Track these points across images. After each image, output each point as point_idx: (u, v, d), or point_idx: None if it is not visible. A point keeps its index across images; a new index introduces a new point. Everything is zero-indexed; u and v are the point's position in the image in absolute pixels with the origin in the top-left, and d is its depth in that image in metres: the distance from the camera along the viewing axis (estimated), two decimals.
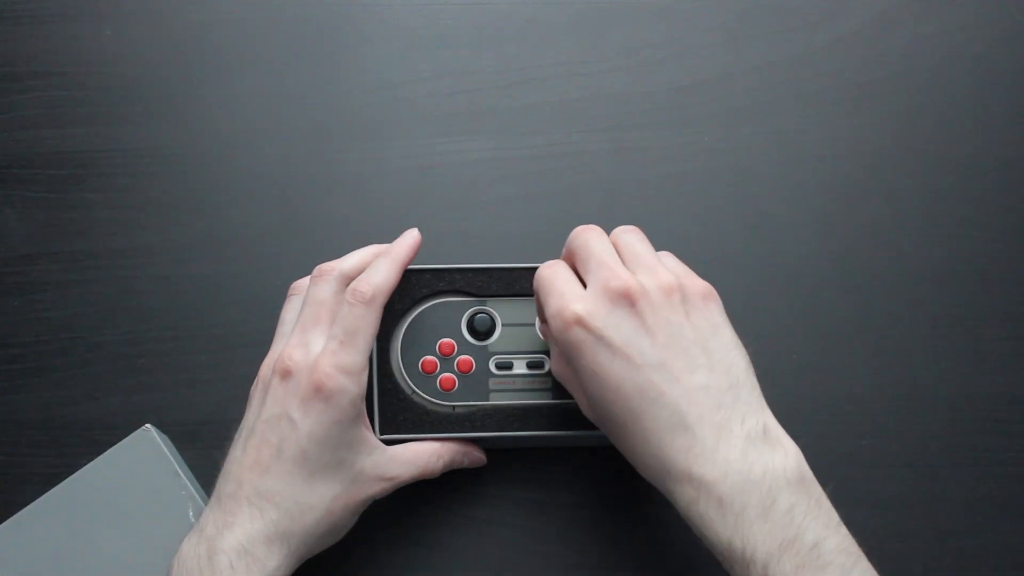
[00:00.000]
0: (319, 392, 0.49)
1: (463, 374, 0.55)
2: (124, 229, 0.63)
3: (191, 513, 0.55)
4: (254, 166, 0.64)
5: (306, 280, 0.54)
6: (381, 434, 0.55)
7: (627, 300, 0.46)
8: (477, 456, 0.56)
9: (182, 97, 0.65)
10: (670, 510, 0.57)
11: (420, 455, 0.54)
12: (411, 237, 0.55)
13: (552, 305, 0.48)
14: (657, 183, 0.64)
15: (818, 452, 0.59)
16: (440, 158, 0.64)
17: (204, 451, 0.58)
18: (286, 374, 0.50)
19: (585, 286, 0.49)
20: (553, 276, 0.49)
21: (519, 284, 0.57)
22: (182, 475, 0.56)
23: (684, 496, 0.45)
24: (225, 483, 0.49)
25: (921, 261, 0.62)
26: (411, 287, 0.56)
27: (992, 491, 0.58)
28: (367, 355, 0.51)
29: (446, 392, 0.55)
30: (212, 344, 0.61)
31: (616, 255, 0.49)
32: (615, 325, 0.46)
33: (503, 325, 0.56)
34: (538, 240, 0.62)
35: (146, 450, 0.56)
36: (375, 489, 0.52)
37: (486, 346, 0.55)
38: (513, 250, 0.62)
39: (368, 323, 0.51)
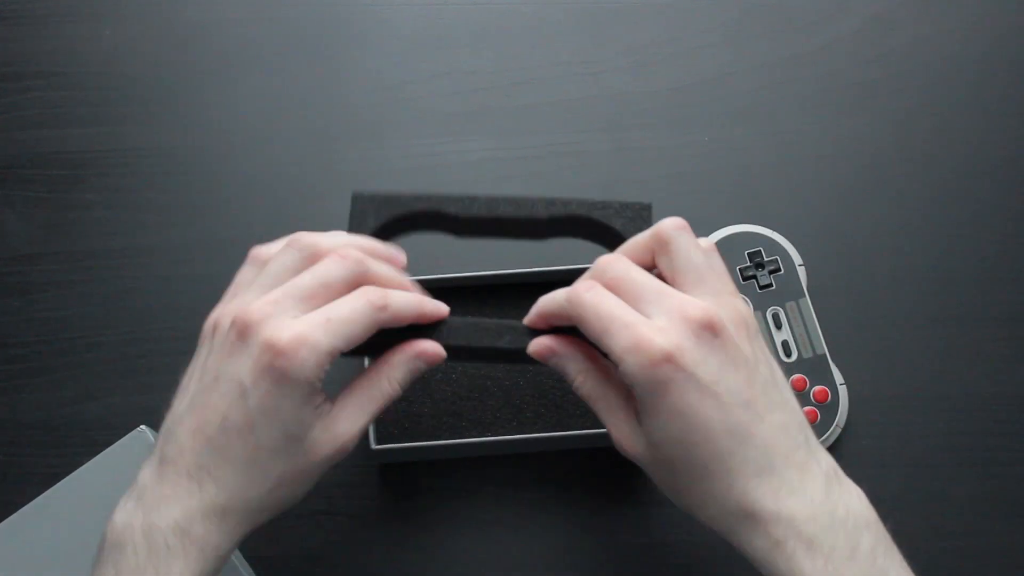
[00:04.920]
0: (278, 359, 0.42)
1: None
2: (124, 229, 0.63)
3: None
4: (254, 166, 0.64)
5: (275, 247, 0.49)
6: (377, 444, 0.55)
7: (711, 331, 0.42)
8: (431, 353, 0.47)
9: (182, 97, 0.65)
10: (670, 510, 0.57)
11: (363, 386, 0.47)
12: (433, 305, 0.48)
13: (625, 338, 0.42)
14: (657, 183, 0.64)
15: None
16: (440, 158, 0.64)
17: None
18: (244, 332, 0.43)
19: None
20: (601, 303, 0.44)
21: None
22: None
23: (768, 539, 0.43)
24: (167, 443, 0.45)
25: (921, 261, 0.62)
26: None
27: (992, 491, 0.58)
28: (340, 348, 0.44)
29: None
30: None
31: (664, 283, 0.45)
32: (703, 360, 0.42)
33: None
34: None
35: (141, 451, 0.56)
36: (328, 450, 0.45)
37: None
38: (513, 250, 0.62)
39: (360, 324, 0.44)
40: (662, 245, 0.46)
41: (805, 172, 0.64)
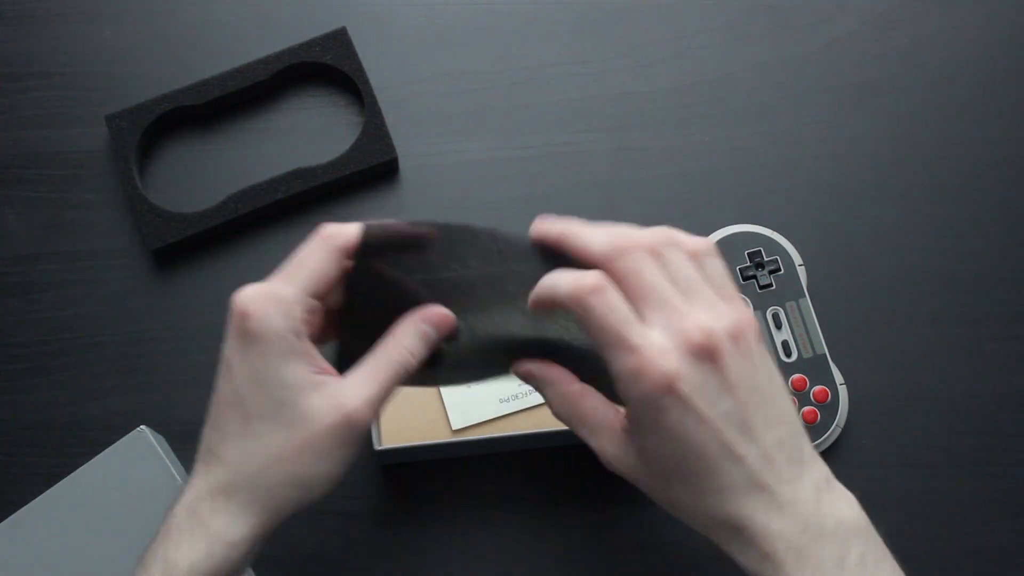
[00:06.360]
0: (244, 321, 0.44)
1: None
2: (124, 229, 0.63)
3: None
4: (254, 166, 0.64)
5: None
6: (380, 444, 0.55)
7: (710, 357, 0.42)
8: (437, 315, 0.47)
9: None
10: None
11: (373, 356, 0.46)
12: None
13: (629, 362, 0.42)
14: (657, 183, 0.64)
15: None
16: (440, 158, 0.64)
17: None
18: (231, 311, 0.45)
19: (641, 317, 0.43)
20: (607, 314, 0.43)
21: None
22: (177, 477, 0.55)
23: (758, 552, 0.44)
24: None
25: (921, 261, 0.62)
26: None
27: (992, 491, 0.58)
28: (305, 289, 0.45)
29: None
30: (212, 344, 0.60)
31: (673, 287, 0.44)
32: (701, 386, 0.42)
33: None
34: None
35: (141, 452, 0.56)
36: (329, 419, 0.44)
37: None
38: None
39: (315, 258, 0.45)
40: (656, 257, 0.44)
41: (805, 172, 0.64)
